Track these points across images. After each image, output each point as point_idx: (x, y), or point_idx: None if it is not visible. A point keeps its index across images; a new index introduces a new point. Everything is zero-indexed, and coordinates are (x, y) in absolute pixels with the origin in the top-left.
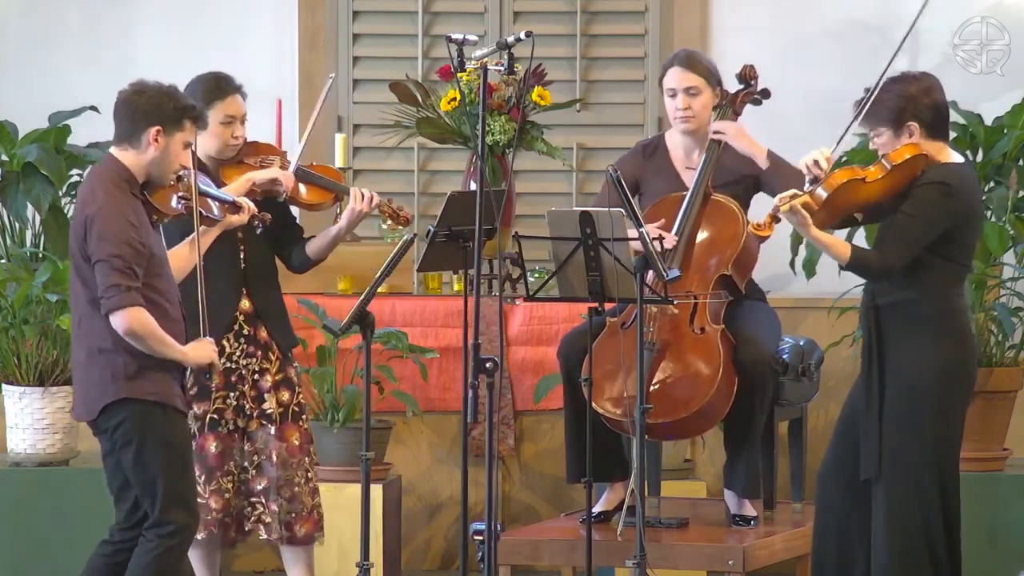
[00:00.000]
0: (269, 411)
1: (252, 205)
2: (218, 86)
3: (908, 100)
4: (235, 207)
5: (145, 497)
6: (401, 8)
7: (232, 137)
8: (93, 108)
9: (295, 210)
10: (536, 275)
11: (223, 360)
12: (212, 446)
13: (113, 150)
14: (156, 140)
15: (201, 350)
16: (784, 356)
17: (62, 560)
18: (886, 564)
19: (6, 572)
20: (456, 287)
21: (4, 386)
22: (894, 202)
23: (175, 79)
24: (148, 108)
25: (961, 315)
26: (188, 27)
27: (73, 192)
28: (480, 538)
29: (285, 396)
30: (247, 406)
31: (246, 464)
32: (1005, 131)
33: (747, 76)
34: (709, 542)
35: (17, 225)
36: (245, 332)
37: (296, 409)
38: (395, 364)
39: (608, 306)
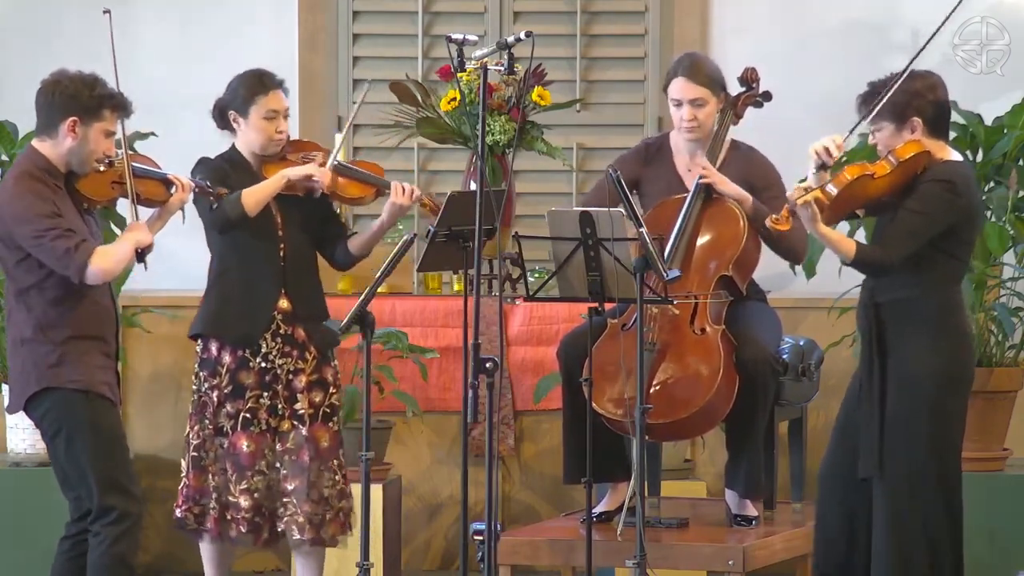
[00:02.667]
0: (301, 412)
1: (188, 181)
2: (260, 81)
3: (912, 96)
4: (167, 184)
5: (81, 487)
6: (401, 8)
7: (276, 132)
8: None
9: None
10: (536, 275)
11: (259, 360)
12: (244, 445)
13: (34, 141)
14: (73, 131)
15: (141, 230)
16: (784, 356)
17: None
18: (886, 563)
19: (6, 572)
20: (456, 287)
21: (4, 386)
22: (896, 197)
23: (175, 79)
24: (64, 98)
25: (960, 312)
26: (188, 27)
27: None
28: (480, 538)
29: (318, 397)
30: (280, 406)
31: (278, 464)
32: (1005, 131)
33: (749, 79)
34: (709, 542)
35: None
36: (282, 331)
37: (327, 411)
38: (395, 364)
39: (608, 306)
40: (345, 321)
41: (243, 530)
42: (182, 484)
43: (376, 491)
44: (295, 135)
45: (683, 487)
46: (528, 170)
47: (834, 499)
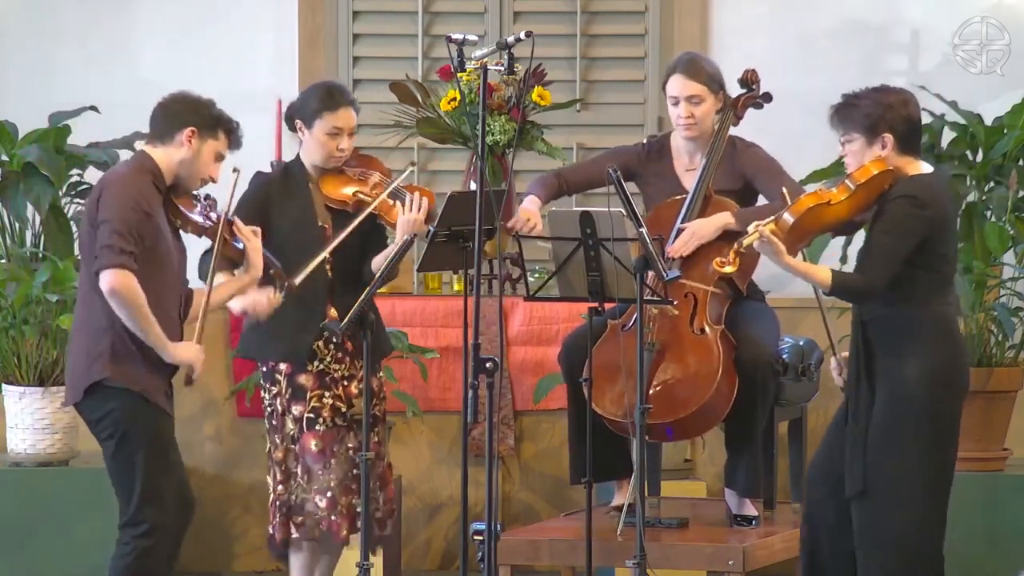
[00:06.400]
0: (356, 418)
1: (274, 264)
2: (330, 96)
3: (886, 109)
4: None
5: (121, 493)
6: (401, 8)
7: (337, 149)
8: (93, 108)
9: None
10: (536, 275)
11: (316, 363)
12: (312, 444)
13: (145, 146)
14: (189, 140)
15: (187, 350)
16: (784, 356)
17: (62, 560)
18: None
19: (6, 572)
20: (456, 287)
21: (4, 386)
22: (864, 217)
23: (175, 79)
24: (185, 109)
25: (947, 324)
26: (188, 27)
27: (73, 192)
28: (480, 538)
29: None
30: (342, 407)
31: (347, 464)
32: (1005, 131)
33: (749, 80)
34: (709, 542)
35: (17, 225)
36: (335, 340)
37: (371, 420)
38: (395, 364)
39: (608, 306)
40: (345, 321)
41: (323, 530)
42: (272, 499)
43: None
44: (294, 135)
45: (683, 487)
46: (528, 170)
47: (821, 502)
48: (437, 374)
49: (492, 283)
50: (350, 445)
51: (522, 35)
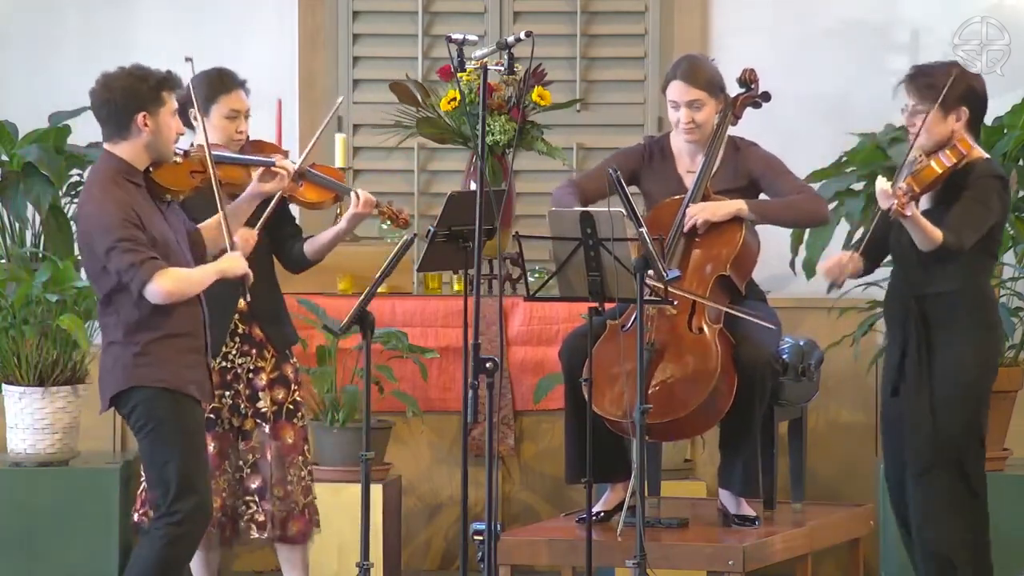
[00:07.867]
0: (263, 410)
1: (291, 165)
2: (221, 81)
3: (966, 86)
4: (270, 173)
5: (157, 485)
6: (401, 8)
7: (236, 132)
8: None
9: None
10: (536, 275)
11: (219, 360)
12: (209, 446)
13: (106, 147)
14: (146, 124)
15: (233, 262)
16: (784, 356)
17: (62, 560)
18: (933, 547)
19: (6, 572)
20: (456, 287)
21: (4, 386)
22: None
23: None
24: (126, 98)
25: (995, 305)
26: (188, 27)
27: (73, 192)
28: (480, 538)
29: (280, 395)
30: (242, 405)
31: (240, 463)
32: (1005, 131)
33: (747, 80)
34: (709, 542)
35: (17, 225)
36: (240, 331)
37: (291, 407)
38: (395, 364)
39: (608, 306)
40: (345, 321)
41: (212, 530)
42: (141, 488)
43: (376, 491)
44: (294, 135)
45: (683, 487)
46: (528, 170)
47: (904, 496)
48: (437, 374)
49: (492, 283)
50: (242, 446)
51: (522, 35)
